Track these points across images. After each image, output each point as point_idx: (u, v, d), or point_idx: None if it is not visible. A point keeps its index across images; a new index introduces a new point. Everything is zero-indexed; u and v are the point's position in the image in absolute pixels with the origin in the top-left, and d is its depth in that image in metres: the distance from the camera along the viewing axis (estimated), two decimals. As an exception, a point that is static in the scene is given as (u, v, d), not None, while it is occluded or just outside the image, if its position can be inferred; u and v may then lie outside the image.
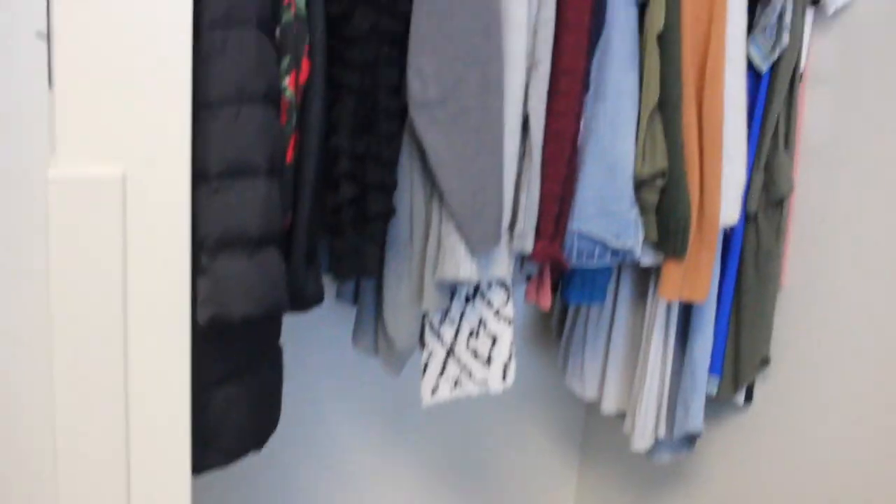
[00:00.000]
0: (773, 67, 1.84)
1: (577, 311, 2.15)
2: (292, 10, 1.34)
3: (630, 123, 1.60)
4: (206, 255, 1.29)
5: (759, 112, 1.85)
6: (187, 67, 1.22)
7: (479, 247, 1.50)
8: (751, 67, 1.85)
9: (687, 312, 1.94)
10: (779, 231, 1.91)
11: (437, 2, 1.42)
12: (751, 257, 1.93)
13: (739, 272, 1.95)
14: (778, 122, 1.86)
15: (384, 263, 1.64)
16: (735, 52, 1.68)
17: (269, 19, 1.33)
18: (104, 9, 1.18)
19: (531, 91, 1.52)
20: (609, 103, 1.58)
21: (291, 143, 1.40)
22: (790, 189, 1.88)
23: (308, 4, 1.37)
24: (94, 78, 1.20)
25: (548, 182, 1.54)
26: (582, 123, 1.59)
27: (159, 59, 1.21)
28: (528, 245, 1.56)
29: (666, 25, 1.59)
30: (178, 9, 1.20)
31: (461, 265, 1.51)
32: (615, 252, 1.63)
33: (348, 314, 1.93)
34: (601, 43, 1.57)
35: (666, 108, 1.62)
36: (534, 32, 1.51)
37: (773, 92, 1.84)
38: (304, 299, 1.51)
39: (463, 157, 1.46)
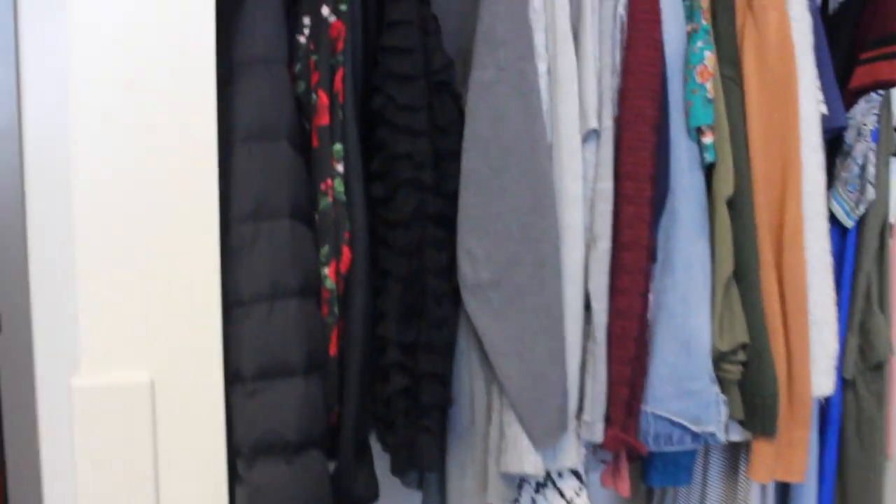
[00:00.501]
0: (860, 222, 1.71)
1: (664, 484, 1.99)
2: (330, 197, 1.27)
3: (703, 295, 1.47)
4: (242, 462, 1.20)
5: (847, 271, 1.71)
6: (215, 266, 1.15)
7: (543, 440, 1.38)
8: (835, 223, 1.72)
9: (785, 487, 1.76)
10: (881, 397, 1.74)
11: (485, 179, 1.34)
12: (852, 427, 1.76)
13: (841, 443, 1.78)
14: (870, 281, 1.71)
15: (447, 450, 1.52)
16: (815, 210, 1.55)
17: (306, 206, 1.27)
18: (125, 207, 1.12)
19: (592, 268, 1.41)
20: (679, 275, 1.45)
21: (334, 334, 1.31)
22: (890, 352, 1.72)
23: (347, 188, 1.30)
24: (117, 281, 1.13)
25: (615, 364, 1.42)
26: (651, 297, 1.47)
27: (185, 258, 1.14)
28: (597, 434, 1.43)
29: (736, 189, 1.48)
30: (203, 202, 1.14)
31: (525, 458, 1.38)
32: (696, 435, 1.48)
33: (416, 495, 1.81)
34: (666, 211, 1.46)
35: (743, 277, 1.49)
36: (591, 206, 1.41)
37: (861, 248, 1.71)
38: (355, 501, 1.39)
39: (520, 342, 1.35)
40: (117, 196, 1.12)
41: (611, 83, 1.43)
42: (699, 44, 1.49)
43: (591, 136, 1.42)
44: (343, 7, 1.30)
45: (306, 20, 1.30)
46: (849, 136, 1.71)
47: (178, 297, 1.15)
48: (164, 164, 1.13)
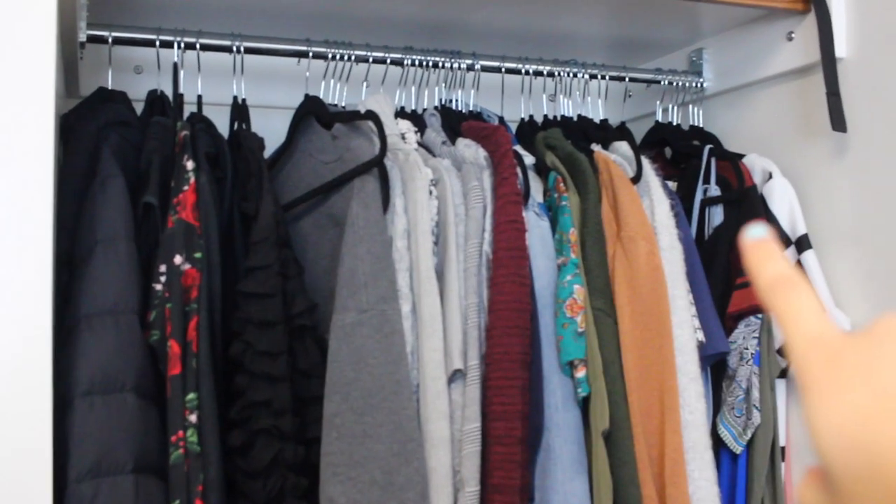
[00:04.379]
0: (749, 447, 1.69)
1: None
2: (181, 448, 1.22)
3: (586, 535, 1.42)
4: None
5: (740, 498, 1.68)
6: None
7: None
8: (726, 449, 1.70)
9: None
10: None
11: (348, 424, 1.30)
12: None
13: None
14: (764, 505, 1.68)
15: None
16: (697, 440, 1.53)
17: (156, 460, 1.22)
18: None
19: (461, 515, 1.36)
20: (558, 515, 1.41)
21: None
22: (790, 582, 1.66)
23: (201, 438, 1.25)
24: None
25: None
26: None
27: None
28: None
29: (612, 422, 1.46)
30: (37, 465, 1.09)
31: None
32: None
33: None
34: (542, 448, 1.43)
35: (624, 514, 1.45)
36: (459, 448, 1.37)
37: (752, 472, 1.68)
38: None
39: None
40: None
41: (477, 321, 1.42)
42: (568, 277, 1.50)
43: (457, 375, 1.40)
44: (198, 255, 1.29)
45: (162, 268, 1.28)
46: (732, 361, 1.71)
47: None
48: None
